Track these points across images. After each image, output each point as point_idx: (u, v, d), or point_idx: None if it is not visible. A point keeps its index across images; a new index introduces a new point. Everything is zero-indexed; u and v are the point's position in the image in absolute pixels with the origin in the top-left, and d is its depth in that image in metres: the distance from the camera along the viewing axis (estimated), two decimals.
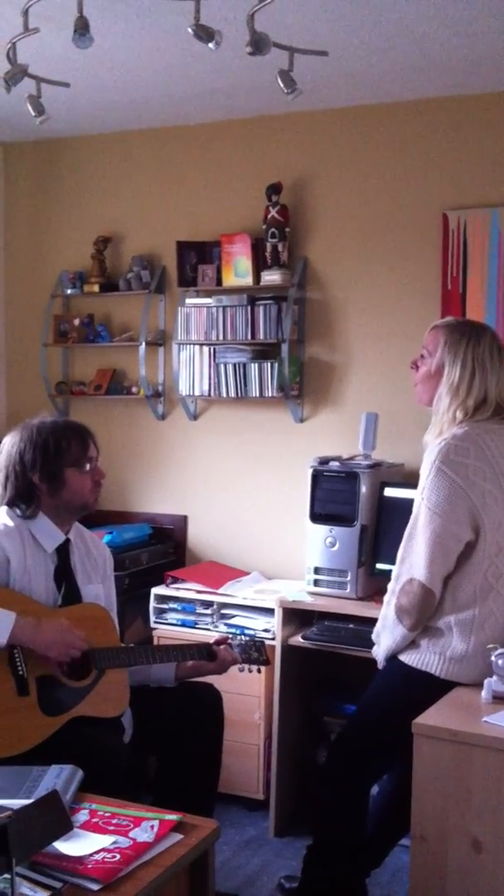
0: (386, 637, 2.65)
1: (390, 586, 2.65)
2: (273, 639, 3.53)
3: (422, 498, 2.56)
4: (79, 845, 1.84)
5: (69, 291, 4.45)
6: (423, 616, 2.57)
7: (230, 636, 2.98)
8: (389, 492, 3.58)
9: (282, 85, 2.85)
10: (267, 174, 4.01)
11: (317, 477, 3.63)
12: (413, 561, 2.56)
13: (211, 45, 2.60)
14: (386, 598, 2.67)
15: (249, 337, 3.97)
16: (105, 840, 1.87)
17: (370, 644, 2.78)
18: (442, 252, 3.77)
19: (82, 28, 2.56)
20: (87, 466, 2.70)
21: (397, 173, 3.87)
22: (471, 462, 2.53)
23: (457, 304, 3.74)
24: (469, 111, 3.73)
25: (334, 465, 3.64)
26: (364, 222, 3.94)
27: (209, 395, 4.10)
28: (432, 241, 3.80)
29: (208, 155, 4.21)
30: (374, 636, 2.74)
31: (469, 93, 3.70)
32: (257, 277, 4.01)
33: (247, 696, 3.61)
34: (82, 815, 1.99)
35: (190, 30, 2.57)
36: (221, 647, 2.87)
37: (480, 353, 2.63)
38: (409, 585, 2.56)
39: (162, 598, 3.94)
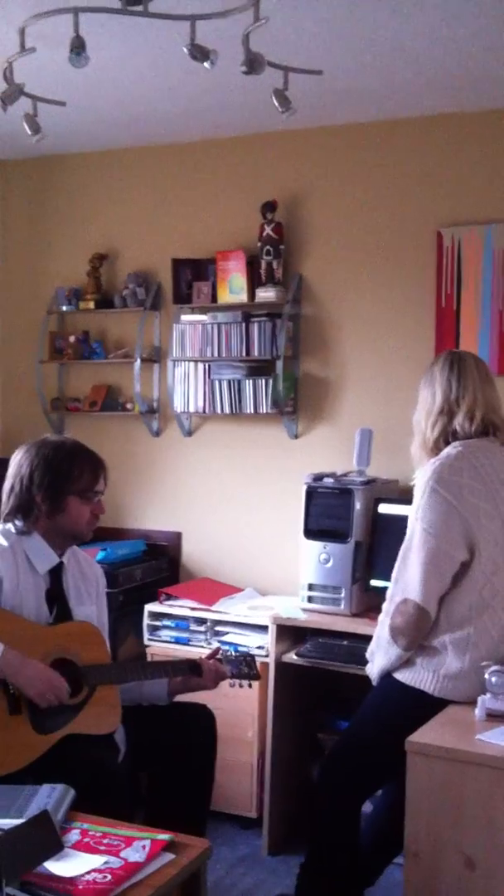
0: (380, 657, 2.65)
1: (385, 606, 2.64)
2: (267, 656, 3.52)
3: (416, 518, 2.56)
4: (70, 865, 1.83)
5: (65, 308, 4.46)
6: (418, 636, 2.56)
7: (221, 649, 2.97)
8: (384, 508, 3.58)
9: (277, 104, 2.86)
10: (262, 191, 4.03)
11: (311, 493, 3.63)
12: (408, 581, 2.55)
13: (206, 64, 2.62)
14: (380, 617, 2.66)
15: (244, 353, 3.98)
16: (96, 860, 1.86)
17: (364, 661, 2.78)
18: (436, 269, 3.79)
19: (78, 47, 2.57)
20: (92, 499, 2.70)
21: (392, 191, 3.90)
22: (465, 481, 2.53)
23: (451, 321, 3.76)
24: (463, 129, 3.76)
25: (328, 481, 3.64)
26: (359, 239, 3.96)
27: (204, 411, 4.11)
28: (426, 259, 3.82)
29: (204, 172, 4.23)
30: (368, 655, 2.73)
31: (463, 110, 3.73)
32: (252, 294, 4.02)
33: (240, 713, 3.60)
34: (73, 835, 1.97)
35: (185, 49, 2.59)
36: (211, 660, 2.86)
37: (450, 375, 2.66)
38: (403, 606, 2.55)
39: (155, 615, 3.93)
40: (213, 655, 2.90)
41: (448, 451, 2.61)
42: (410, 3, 2.81)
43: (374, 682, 2.71)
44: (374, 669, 2.69)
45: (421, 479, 2.59)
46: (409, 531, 2.59)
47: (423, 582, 2.52)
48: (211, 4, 2.66)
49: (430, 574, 2.52)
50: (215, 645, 3.72)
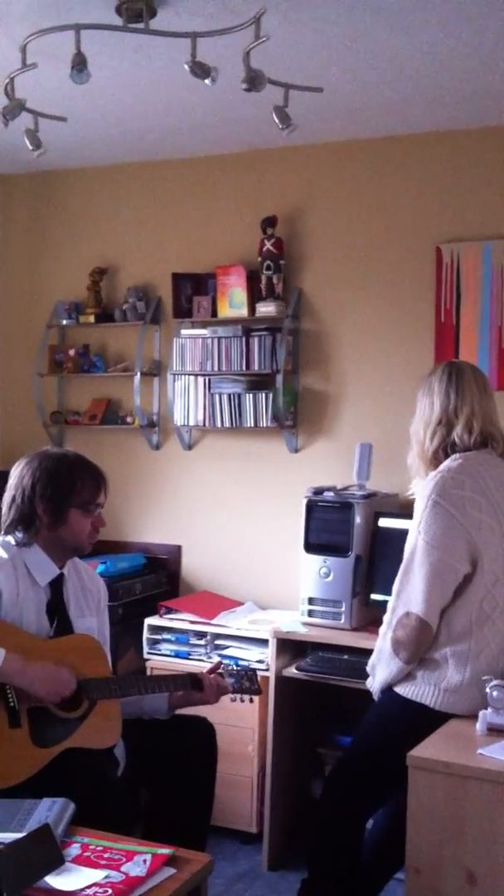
0: (381, 670, 2.64)
1: (386, 619, 2.64)
2: (267, 670, 3.52)
3: (418, 531, 2.56)
4: (71, 880, 1.82)
5: (65, 322, 4.47)
6: (420, 649, 2.56)
7: (223, 664, 2.96)
8: (384, 522, 3.58)
9: (277, 120, 2.89)
10: (262, 207, 4.05)
11: (311, 507, 3.63)
12: (410, 594, 2.55)
13: (207, 81, 2.64)
14: (382, 630, 2.66)
15: (244, 367, 3.99)
16: (97, 874, 1.85)
17: (365, 675, 2.77)
18: (435, 285, 3.81)
19: (80, 64, 2.60)
20: (93, 511, 2.70)
21: (391, 207, 3.92)
22: (467, 494, 2.54)
23: (450, 337, 3.77)
24: (462, 145, 3.78)
25: (329, 495, 3.64)
26: (358, 255, 3.98)
27: (204, 424, 4.12)
28: (426, 274, 3.83)
29: (204, 188, 4.26)
30: (369, 668, 2.73)
31: (462, 127, 3.75)
32: (252, 309, 4.03)
33: (240, 727, 3.59)
34: (74, 849, 1.97)
35: (187, 66, 2.61)
36: (212, 675, 2.85)
37: (448, 386, 2.67)
38: (406, 619, 2.55)
39: (155, 629, 3.92)
40: (214, 670, 2.89)
41: (448, 463, 2.61)
42: (410, 21, 2.83)
43: (376, 696, 2.71)
44: (375, 683, 2.69)
45: (422, 492, 2.60)
46: (409, 544, 2.59)
47: (425, 595, 2.52)
48: (212, 22, 2.69)
49: (433, 587, 2.52)
50: (216, 659, 3.71)
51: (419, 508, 2.58)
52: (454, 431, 2.64)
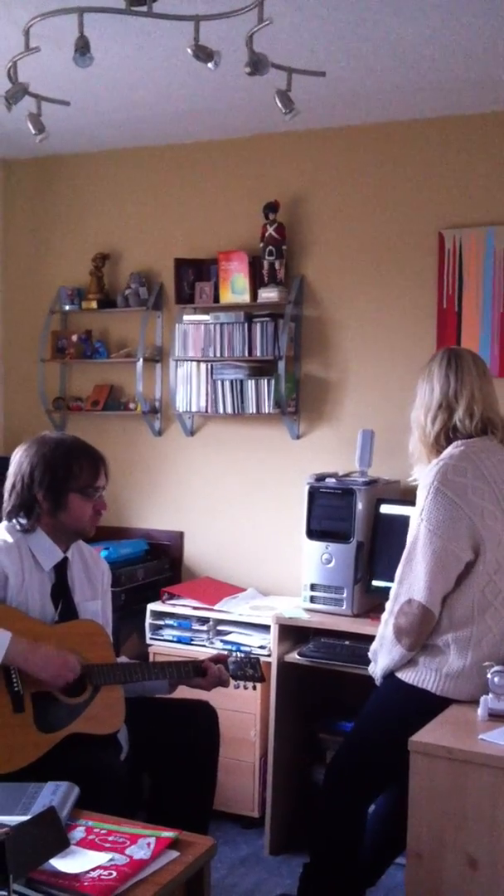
0: (383, 656, 2.65)
1: (388, 606, 2.65)
2: (269, 655, 3.53)
3: (421, 518, 2.56)
4: (75, 862, 1.83)
5: (67, 307, 4.47)
6: (422, 636, 2.57)
7: (229, 654, 2.97)
8: (386, 508, 3.58)
9: (280, 105, 2.87)
10: (264, 193, 4.03)
11: (313, 493, 3.64)
12: (413, 581, 2.56)
13: (210, 65, 2.62)
14: (384, 617, 2.67)
15: (246, 354, 3.99)
16: (102, 857, 1.86)
17: (366, 661, 2.78)
18: (438, 270, 3.80)
19: (83, 48, 2.58)
20: (93, 495, 2.70)
21: (393, 192, 3.90)
22: (469, 481, 2.54)
23: (452, 323, 3.77)
24: (465, 131, 3.76)
25: (330, 481, 3.64)
26: (360, 241, 3.97)
27: (206, 411, 4.12)
28: (428, 260, 3.82)
29: (206, 173, 4.24)
30: (370, 654, 2.74)
31: (464, 113, 3.73)
32: (254, 295, 4.03)
33: (243, 713, 3.61)
34: (79, 833, 1.98)
35: (189, 50, 2.59)
36: (217, 665, 2.85)
37: (448, 371, 2.68)
38: (408, 606, 2.56)
39: (158, 615, 3.93)
40: (219, 660, 2.89)
41: (451, 450, 2.61)
42: (413, 7, 2.81)
43: (378, 682, 2.72)
44: (377, 669, 2.70)
45: (424, 479, 2.60)
46: (412, 532, 2.60)
47: (428, 582, 2.53)
48: (215, 5, 2.67)
49: (435, 574, 2.52)
50: (218, 645, 3.73)
51: (421, 496, 2.58)
52: (455, 415, 2.65)
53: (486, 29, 2.97)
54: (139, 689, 2.80)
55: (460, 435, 2.64)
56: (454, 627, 2.56)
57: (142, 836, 1.95)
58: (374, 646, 2.71)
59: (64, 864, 1.82)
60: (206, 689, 2.84)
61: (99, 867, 1.82)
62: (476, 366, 2.71)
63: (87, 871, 1.80)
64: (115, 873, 1.80)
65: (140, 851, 1.89)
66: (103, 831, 1.98)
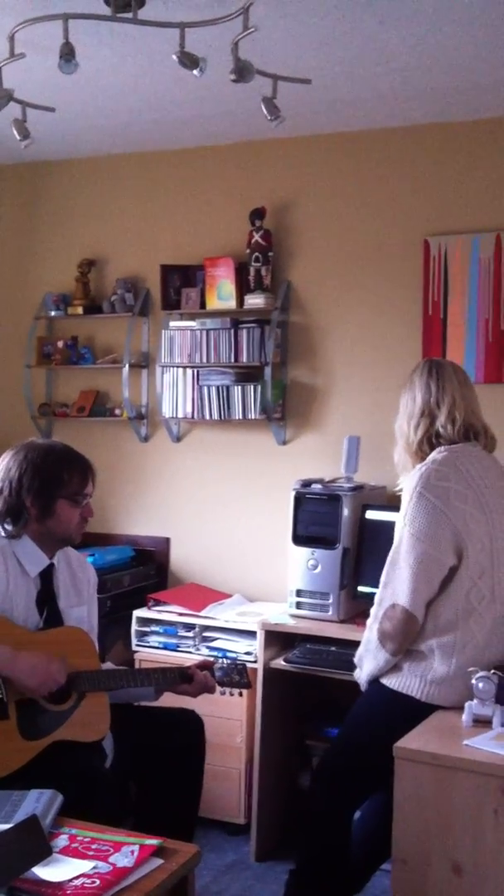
0: (368, 662, 2.66)
1: (373, 611, 2.66)
2: (255, 661, 3.53)
3: (404, 523, 2.57)
4: (58, 871, 1.82)
5: (53, 313, 4.46)
6: (406, 641, 2.58)
7: (215, 660, 2.96)
8: (371, 514, 3.59)
9: (265, 112, 2.88)
10: (251, 199, 4.04)
11: (299, 499, 3.64)
12: (396, 586, 2.57)
13: (195, 71, 2.63)
14: (368, 622, 2.67)
15: (233, 360, 3.99)
16: (85, 865, 1.85)
17: (352, 667, 2.79)
18: (423, 277, 3.81)
19: (68, 54, 2.59)
20: (81, 502, 2.70)
21: (379, 199, 3.92)
22: (452, 486, 2.55)
23: (437, 330, 3.78)
24: (451, 139, 3.78)
25: (317, 487, 3.65)
26: (346, 247, 3.98)
27: (192, 417, 4.11)
28: (414, 267, 3.84)
29: (193, 180, 4.24)
30: (356, 660, 2.74)
31: (450, 120, 3.75)
32: (241, 301, 4.03)
33: (229, 719, 3.60)
34: (62, 840, 1.97)
35: (175, 57, 2.60)
36: (204, 671, 2.85)
37: (429, 380, 2.72)
38: (391, 611, 2.57)
39: (144, 621, 3.92)
40: (205, 666, 2.89)
41: (434, 456, 2.63)
42: (398, 14, 2.83)
43: (363, 688, 2.73)
44: (362, 675, 2.70)
45: (408, 484, 2.61)
46: (396, 537, 2.61)
47: (411, 587, 2.53)
48: (200, 12, 2.68)
49: (419, 579, 2.53)
50: (204, 651, 3.72)
51: (405, 501, 2.59)
52: (437, 422, 2.68)
53: (472, 37, 2.99)
54: (125, 695, 2.79)
55: (443, 441, 2.67)
56: (438, 633, 2.57)
57: (125, 844, 1.94)
58: (359, 651, 2.72)
59: (47, 872, 1.80)
60: (192, 696, 2.84)
61: (82, 875, 1.81)
62: (457, 374, 2.76)
63: (71, 880, 1.79)
64: (98, 881, 1.79)
65: (124, 859, 1.88)
66: (87, 839, 1.97)
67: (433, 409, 2.69)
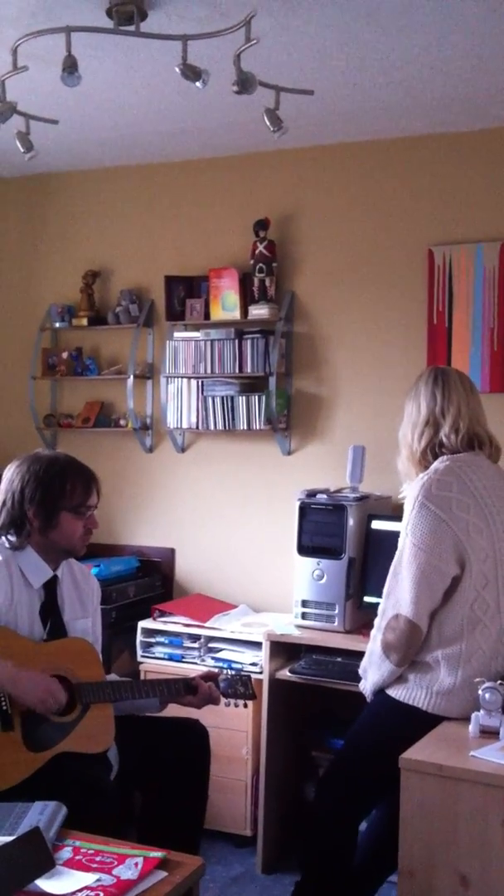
0: (373, 672, 2.64)
1: (376, 621, 2.64)
2: (260, 672, 3.52)
3: (406, 533, 2.56)
4: (62, 883, 1.81)
5: (58, 325, 4.47)
6: (410, 652, 2.56)
7: (220, 671, 2.95)
8: (377, 524, 3.58)
9: (268, 123, 2.89)
10: (254, 210, 4.05)
11: (304, 509, 3.63)
12: (399, 596, 2.56)
13: (198, 83, 2.65)
14: (372, 633, 2.66)
15: (237, 370, 3.99)
16: (88, 878, 1.84)
17: (358, 678, 2.77)
18: (427, 287, 3.81)
19: (71, 67, 2.60)
20: (85, 514, 2.69)
21: (383, 209, 3.92)
22: (454, 495, 2.54)
23: (442, 339, 3.78)
24: (453, 148, 3.79)
25: (322, 497, 3.64)
26: (350, 257, 3.98)
27: (197, 427, 4.11)
28: (418, 277, 3.84)
29: (196, 191, 4.26)
30: (361, 671, 2.73)
31: (452, 130, 3.76)
32: (245, 311, 4.03)
33: (234, 731, 3.59)
34: (66, 853, 1.96)
35: (178, 69, 2.61)
36: (208, 683, 2.84)
37: (434, 388, 2.70)
38: (395, 621, 2.56)
39: (149, 632, 3.92)
40: (210, 678, 2.88)
41: (436, 465, 2.62)
42: (400, 25, 2.84)
43: (368, 699, 2.71)
44: (367, 686, 2.69)
45: (410, 494, 2.60)
46: (399, 546, 2.60)
47: (414, 597, 2.52)
48: (203, 25, 2.69)
49: (421, 589, 2.52)
50: (209, 662, 3.71)
51: (408, 510, 2.59)
52: (441, 431, 2.66)
53: (473, 48, 3.00)
54: (129, 707, 2.78)
55: (446, 450, 2.66)
56: (444, 644, 2.55)
57: (129, 857, 1.93)
58: (363, 662, 2.71)
59: (50, 885, 1.80)
60: (196, 707, 2.83)
61: (86, 888, 1.80)
62: (462, 383, 2.73)
63: (74, 892, 1.78)
64: (102, 894, 1.78)
65: (127, 872, 1.87)
66: (90, 851, 1.96)
67: (438, 418, 2.67)
